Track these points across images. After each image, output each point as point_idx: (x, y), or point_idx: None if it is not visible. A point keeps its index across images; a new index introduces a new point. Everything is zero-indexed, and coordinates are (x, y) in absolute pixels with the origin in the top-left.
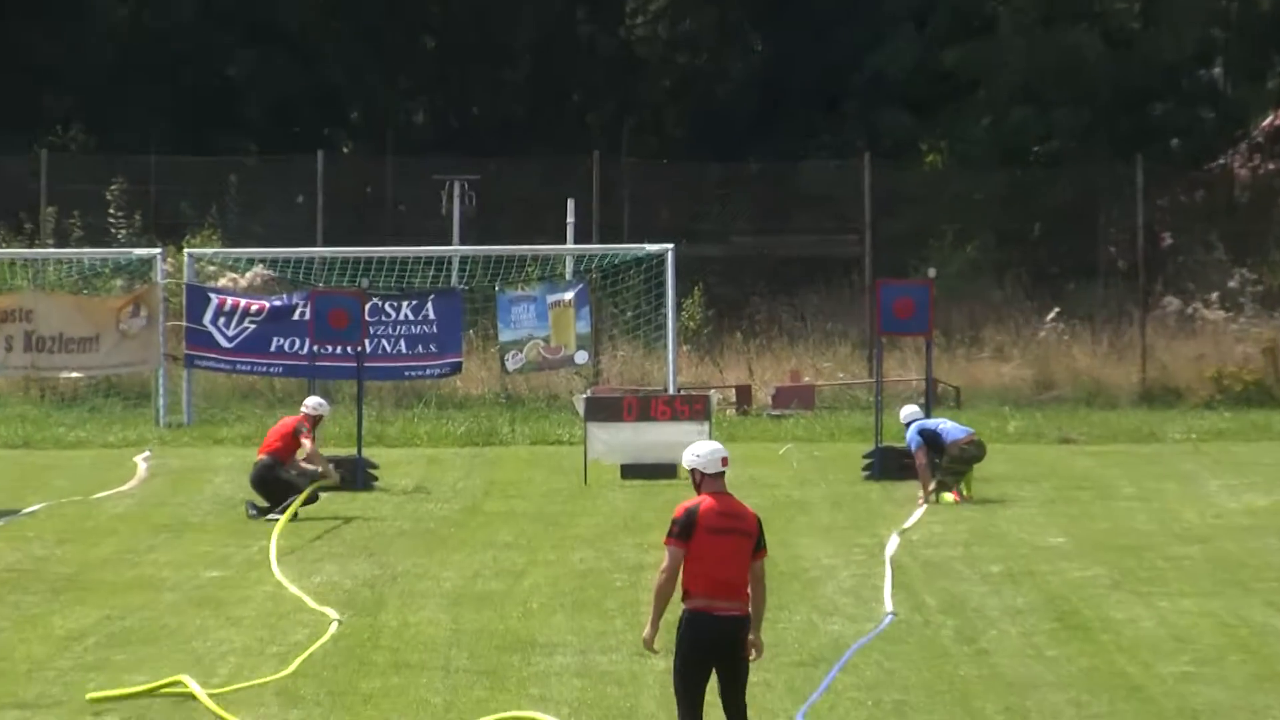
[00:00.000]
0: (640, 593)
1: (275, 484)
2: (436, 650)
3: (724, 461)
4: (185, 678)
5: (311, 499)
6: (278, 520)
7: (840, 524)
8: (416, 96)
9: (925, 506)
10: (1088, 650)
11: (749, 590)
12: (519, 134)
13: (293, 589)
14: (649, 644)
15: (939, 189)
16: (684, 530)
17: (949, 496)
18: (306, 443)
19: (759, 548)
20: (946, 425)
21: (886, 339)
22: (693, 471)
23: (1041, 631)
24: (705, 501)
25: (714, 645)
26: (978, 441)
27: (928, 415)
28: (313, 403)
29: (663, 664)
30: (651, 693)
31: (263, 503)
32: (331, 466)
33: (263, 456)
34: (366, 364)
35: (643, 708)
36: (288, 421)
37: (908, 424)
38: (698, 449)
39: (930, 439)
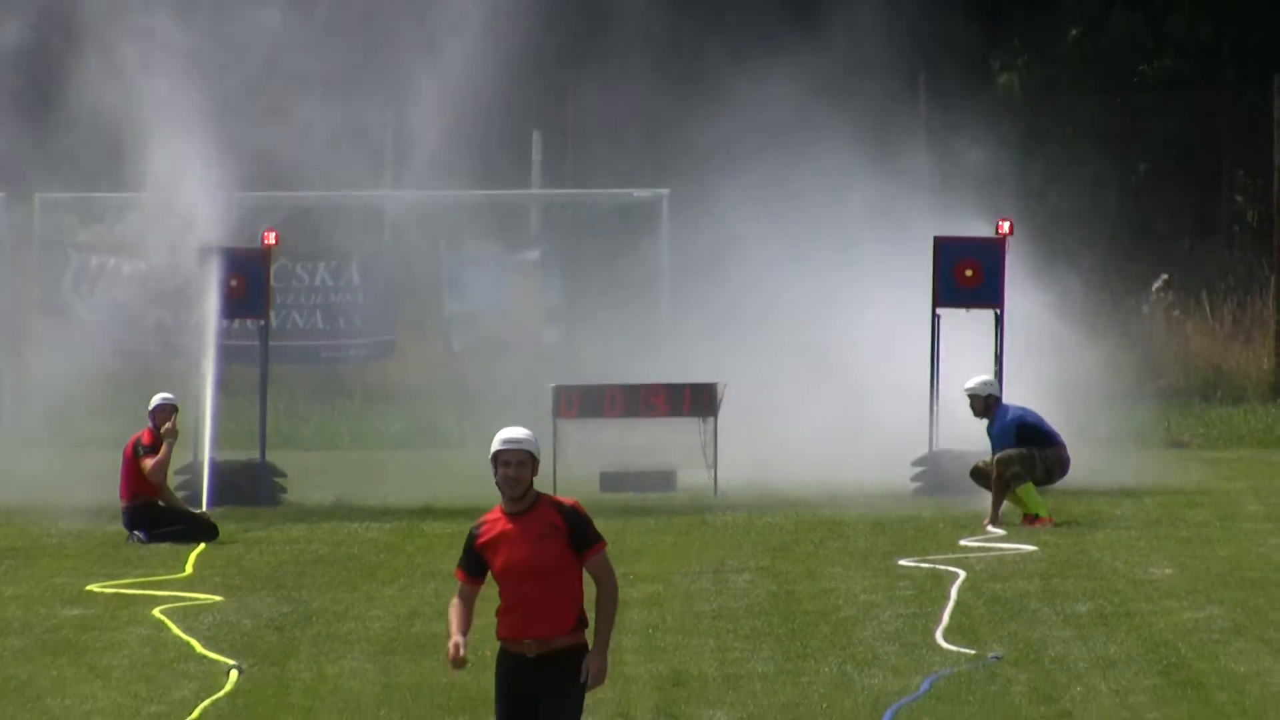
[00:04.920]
0: (623, 636)
1: (157, 514)
2: (362, 711)
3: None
4: None
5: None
6: (161, 544)
7: (882, 549)
8: None
9: (997, 532)
10: (1200, 714)
11: None
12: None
13: (177, 631)
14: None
15: (1014, 120)
16: None
17: (1033, 497)
18: (148, 464)
19: None
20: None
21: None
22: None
23: (1141, 689)
24: None
25: None
26: None
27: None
28: (155, 400)
29: None
30: None
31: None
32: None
33: (124, 503)
34: (272, 343)
35: None
36: (127, 449)
37: (993, 406)
38: None
39: (1029, 436)
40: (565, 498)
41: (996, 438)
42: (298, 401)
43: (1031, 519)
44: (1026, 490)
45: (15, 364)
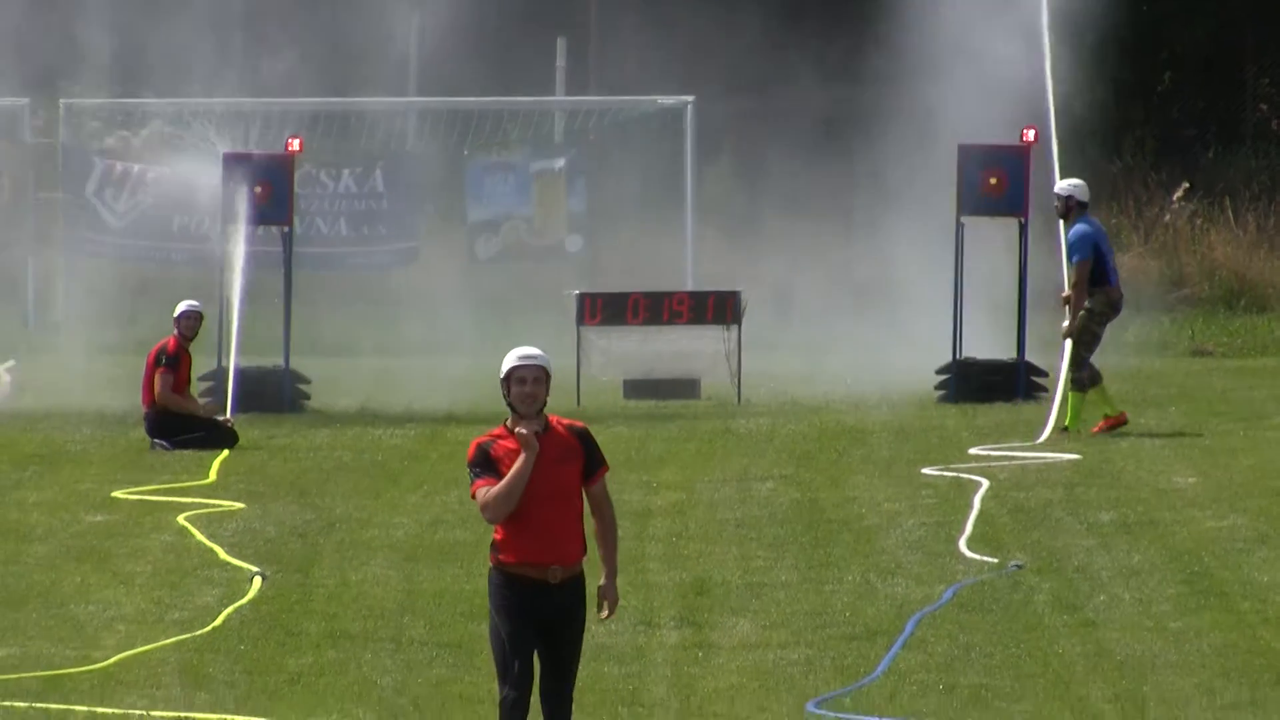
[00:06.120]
0: (647, 544)
1: (178, 420)
2: (385, 618)
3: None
4: None
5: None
6: (184, 450)
7: (905, 458)
8: None
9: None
10: (1223, 622)
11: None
12: None
13: (201, 538)
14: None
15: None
16: None
17: (1076, 411)
18: (162, 388)
19: None
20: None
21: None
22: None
23: (1164, 598)
24: None
25: None
26: None
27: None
28: (180, 307)
29: (674, 637)
30: (660, 672)
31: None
32: (208, 404)
33: (146, 409)
34: (296, 249)
35: (649, 691)
36: (151, 356)
37: (1073, 209)
38: None
39: (1094, 271)
40: (573, 420)
41: (1071, 244)
42: (321, 308)
43: (1064, 430)
44: (1076, 400)
45: (41, 270)
